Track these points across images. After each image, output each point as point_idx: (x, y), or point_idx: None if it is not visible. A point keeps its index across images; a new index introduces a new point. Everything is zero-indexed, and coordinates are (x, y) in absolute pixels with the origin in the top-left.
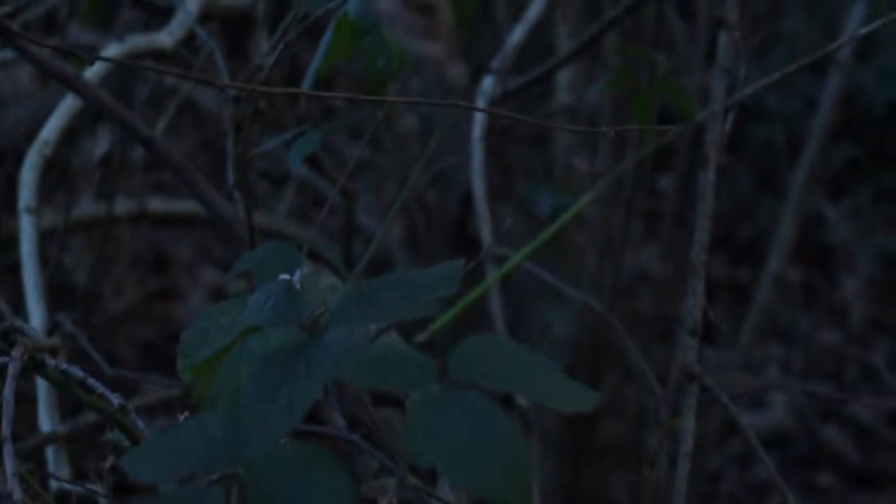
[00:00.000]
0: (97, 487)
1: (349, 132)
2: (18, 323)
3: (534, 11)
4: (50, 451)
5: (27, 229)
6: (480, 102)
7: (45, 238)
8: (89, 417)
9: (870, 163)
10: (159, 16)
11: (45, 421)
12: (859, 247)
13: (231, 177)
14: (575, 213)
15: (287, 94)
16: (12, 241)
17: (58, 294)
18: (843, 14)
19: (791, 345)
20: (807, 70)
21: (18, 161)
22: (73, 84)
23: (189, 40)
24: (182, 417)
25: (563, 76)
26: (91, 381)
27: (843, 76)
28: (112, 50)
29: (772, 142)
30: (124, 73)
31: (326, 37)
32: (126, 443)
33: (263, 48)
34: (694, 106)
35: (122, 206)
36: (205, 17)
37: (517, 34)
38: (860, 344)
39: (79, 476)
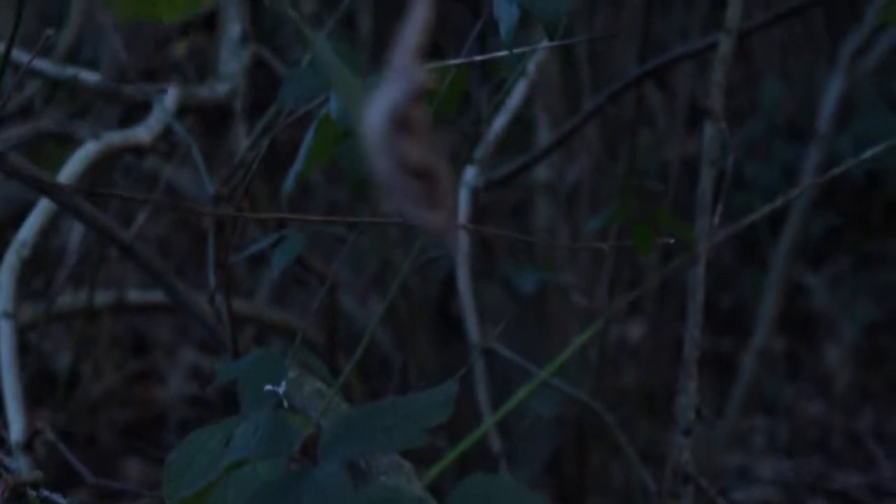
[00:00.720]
0: None
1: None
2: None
3: (515, 100)
4: None
5: (5, 336)
6: (463, 193)
7: (24, 329)
8: None
9: (850, 230)
10: (136, 110)
11: None
12: (842, 315)
13: (212, 280)
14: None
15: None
16: None
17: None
18: (820, 82)
19: (776, 415)
20: (786, 139)
21: None
22: (49, 191)
23: (167, 134)
24: None
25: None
26: None
27: (824, 149)
28: (89, 148)
29: (751, 211)
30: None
31: (308, 138)
32: None
33: (242, 141)
34: (693, 235)
35: (101, 297)
36: (182, 111)
37: (498, 123)
38: (845, 413)
39: None
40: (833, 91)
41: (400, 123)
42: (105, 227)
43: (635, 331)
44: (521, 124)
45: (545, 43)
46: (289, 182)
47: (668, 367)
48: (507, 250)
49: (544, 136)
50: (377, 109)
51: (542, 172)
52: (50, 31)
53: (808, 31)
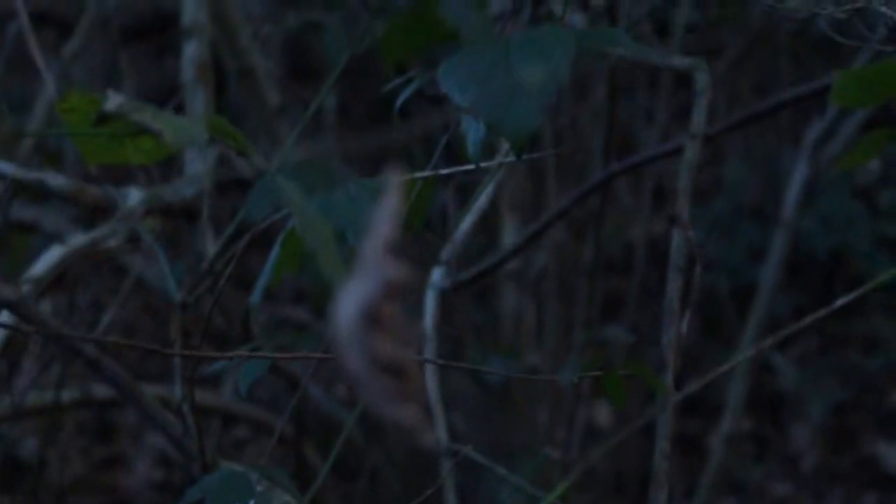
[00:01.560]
0: None
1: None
2: None
3: (481, 202)
4: None
5: None
6: (430, 295)
7: None
8: None
9: (816, 310)
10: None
11: None
12: (809, 395)
13: (178, 392)
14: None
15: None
16: None
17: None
18: (783, 163)
19: (745, 497)
20: (750, 219)
21: None
22: (11, 306)
23: (133, 237)
24: None
25: (508, 237)
26: None
27: (789, 232)
28: (54, 252)
29: (716, 291)
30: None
31: (274, 251)
32: None
33: (209, 245)
34: (662, 385)
35: (67, 393)
36: (148, 213)
37: (465, 225)
38: (813, 494)
39: None
40: (798, 178)
41: (371, 319)
42: (71, 343)
43: (603, 414)
44: (487, 224)
45: (512, 159)
46: (256, 296)
47: (638, 450)
48: (474, 338)
49: (510, 234)
50: (348, 304)
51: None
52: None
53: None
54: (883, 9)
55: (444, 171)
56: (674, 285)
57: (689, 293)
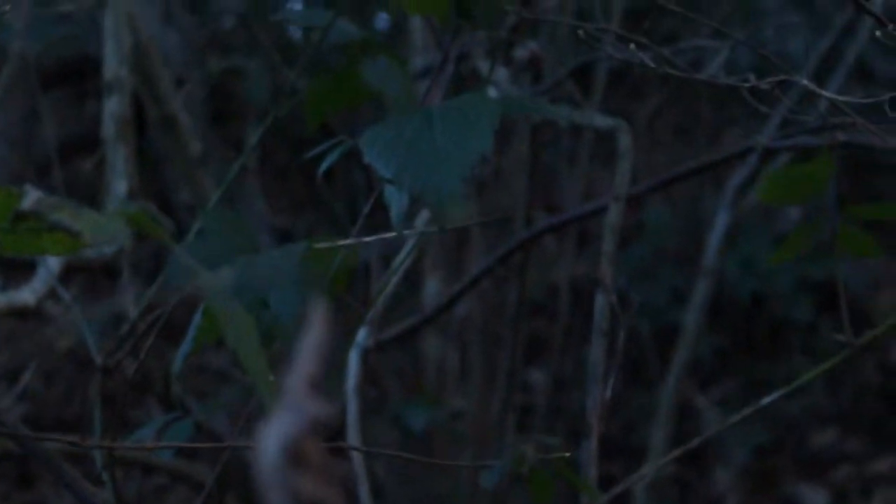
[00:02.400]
0: None
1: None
2: None
3: (404, 260)
4: None
5: None
6: (353, 354)
7: None
8: None
9: (737, 353)
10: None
11: None
12: (731, 438)
13: (99, 461)
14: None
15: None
16: None
17: None
18: (704, 204)
19: None
20: (672, 262)
21: None
22: None
23: (52, 295)
24: None
25: (432, 285)
26: None
27: (711, 278)
28: None
29: (638, 333)
30: None
31: (197, 318)
32: None
33: (130, 305)
34: (594, 492)
35: None
36: (68, 270)
37: (388, 286)
38: None
39: None
40: (720, 225)
41: (294, 456)
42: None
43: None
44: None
45: (435, 230)
46: (177, 364)
47: (566, 490)
48: (397, 386)
49: (433, 290)
50: (270, 441)
51: (430, 293)
52: None
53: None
54: (804, 82)
55: (367, 239)
56: (597, 349)
57: (613, 357)
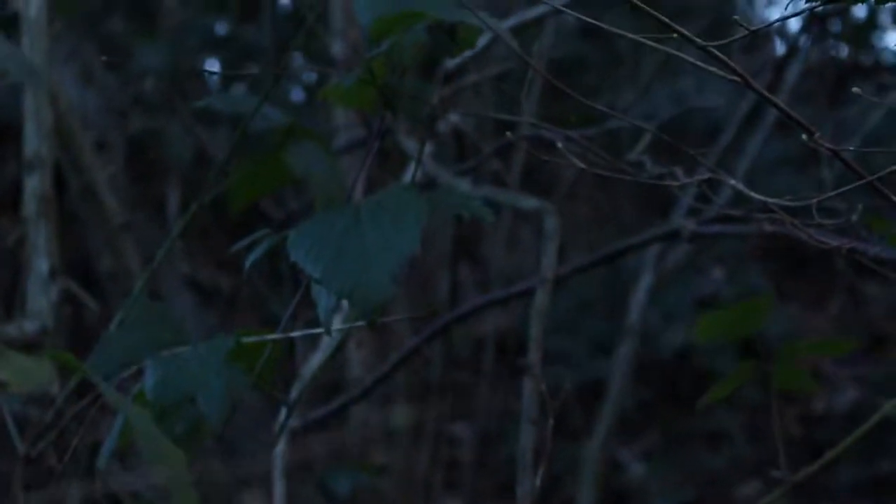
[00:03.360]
0: None
1: None
2: None
3: (330, 340)
4: None
5: None
6: (281, 438)
7: None
8: None
9: (661, 405)
10: None
11: None
12: (655, 492)
13: None
14: None
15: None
16: None
17: None
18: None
19: None
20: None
21: None
22: None
23: None
24: None
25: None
26: None
27: (635, 338)
28: None
29: (560, 386)
30: None
31: (119, 417)
32: None
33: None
34: None
35: None
36: None
37: (313, 363)
38: None
39: None
40: (643, 286)
41: None
42: None
43: None
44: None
45: (362, 322)
46: (102, 460)
47: None
48: (321, 448)
49: (357, 368)
50: None
51: (355, 369)
52: None
53: (615, 209)
54: (732, 182)
55: (296, 334)
56: (527, 437)
57: (543, 445)
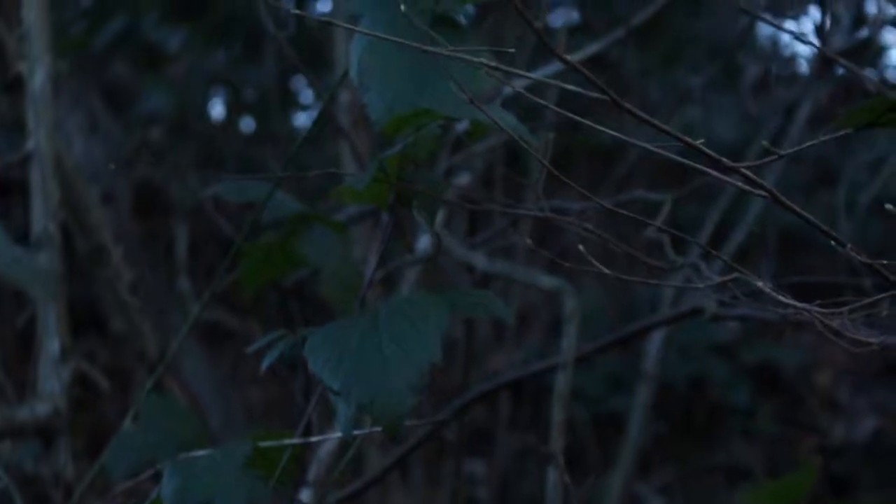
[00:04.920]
0: None
1: None
2: None
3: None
4: None
5: None
6: None
7: None
8: None
9: (676, 438)
10: None
11: None
12: None
13: None
14: None
15: None
16: None
17: None
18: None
19: None
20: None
21: None
22: None
23: None
24: None
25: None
26: None
27: (653, 384)
28: None
29: (575, 421)
30: None
31: None
32: None
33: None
34: None
35: None
36: (1, 435)
37: (328, 446)
38: None
39: None
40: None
41: None
42: None
43: None
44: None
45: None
46: None
47: None
48: None
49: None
50: None
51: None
52: None
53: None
54: (761, 284)
55: (314, 439)
56: None
57: None
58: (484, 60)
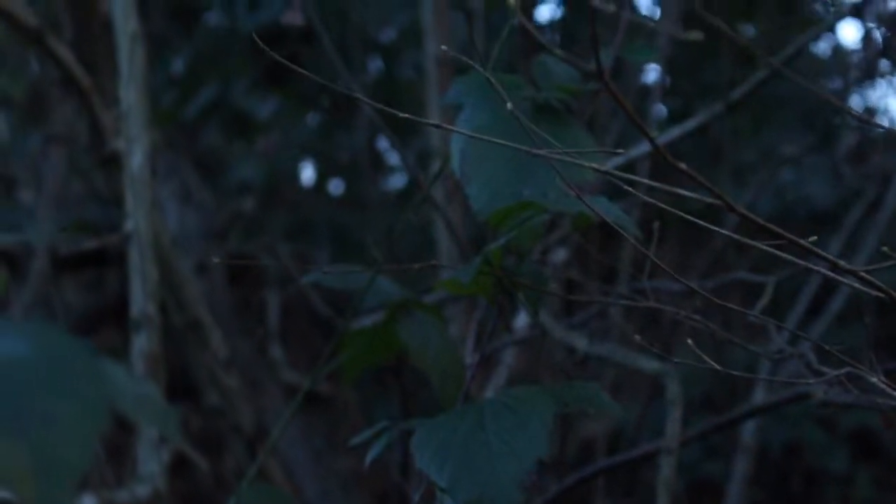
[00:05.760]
0: None
1: None
2: None
3: None
4: None
5: None
6: None
7: None
8: None
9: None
10: None
11: None
12: None
13: None
14: None
15: None
16: None
17: None
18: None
19: None
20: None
21: None
22: None
23: None
24: None
25: None
26: None
27: (749, 457)
28: None
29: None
30: None
31: None
32: None
33: None
34: None
35: None
36: None
37: None
38: None
39: None
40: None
41: None
42: None
43: None
44: None
45: None
46: None
47: None
48: None
49: None
50: None
51: None
52: None
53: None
54: (874, 379)
55: None
56: None
57: None
58: (587, 151)
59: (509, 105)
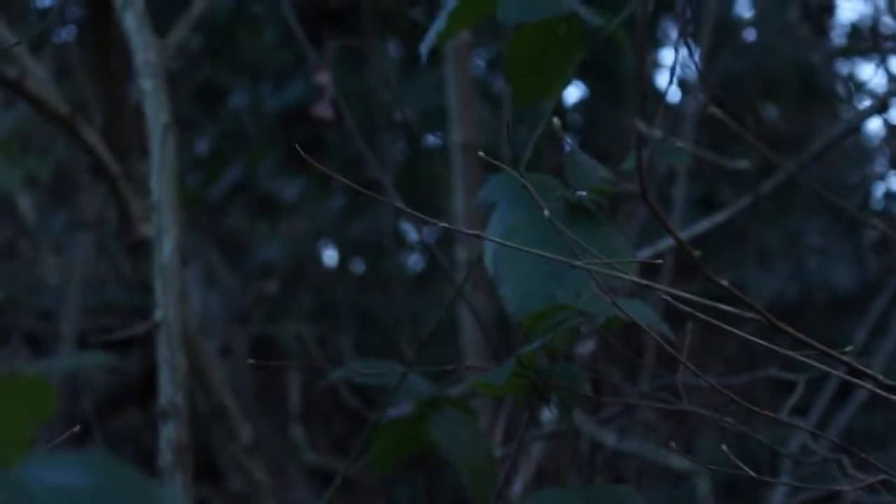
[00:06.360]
0: None
1: None
2: None
3: None
4: None
5: None
6: None
7: None
8: None
9: None
10: None
11: None
12: None
13: None
14: None
15: None
16: None
17: None
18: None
19: None
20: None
21: None
22: None
23: None
24: None
25: None
26: None
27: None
28: None
29: None
30: None
31: None
32: None
33: None
34: None
35: None
36: None
37: None
38: None
39: None
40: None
41: None
42: None
43: None
44: None
45: None
46: None
47: None
48: None
49: None
50: None
51: None
52: None
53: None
54: None
55: None
56: None
57: None
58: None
59: (546, 212)
